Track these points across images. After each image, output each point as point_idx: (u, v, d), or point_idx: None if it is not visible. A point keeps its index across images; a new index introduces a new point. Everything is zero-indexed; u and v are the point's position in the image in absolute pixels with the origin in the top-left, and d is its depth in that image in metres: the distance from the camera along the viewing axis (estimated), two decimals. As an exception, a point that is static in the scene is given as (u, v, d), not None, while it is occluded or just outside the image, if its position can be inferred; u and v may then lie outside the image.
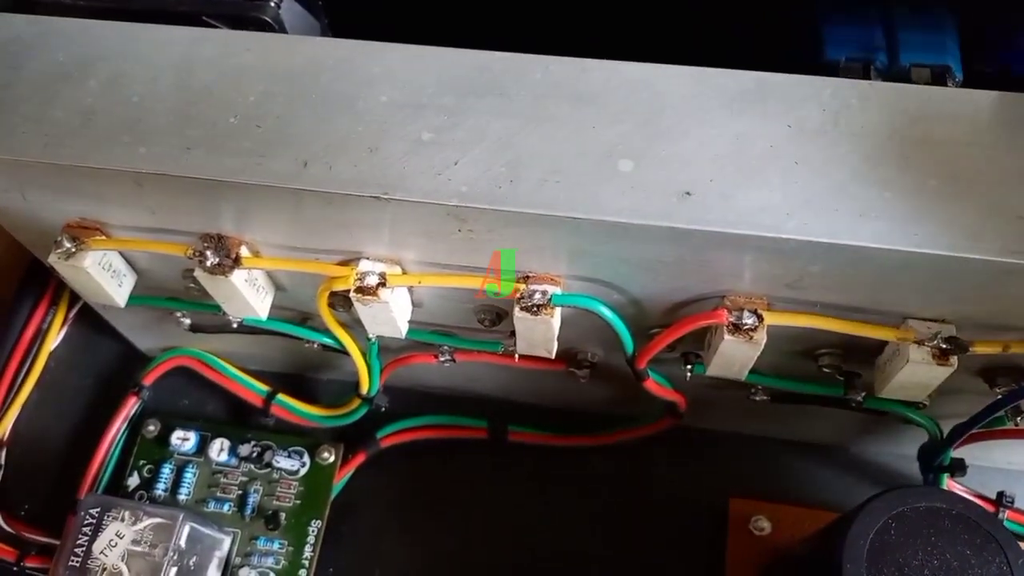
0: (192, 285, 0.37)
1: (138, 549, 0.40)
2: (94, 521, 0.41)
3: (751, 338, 0.32)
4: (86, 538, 0.40)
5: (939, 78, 0.35)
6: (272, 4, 0.38)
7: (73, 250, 0.36)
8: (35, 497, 0.48)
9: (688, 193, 0.30)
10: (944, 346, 0.31)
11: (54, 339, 0.50)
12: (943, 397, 0.36)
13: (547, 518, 0.46)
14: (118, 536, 0.40)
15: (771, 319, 0.32)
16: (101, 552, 0.40)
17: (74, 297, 0.50)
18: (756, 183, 0.30)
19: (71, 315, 0.50)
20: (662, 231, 0.30)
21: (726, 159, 0.30)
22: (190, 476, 0.46)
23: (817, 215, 0.29)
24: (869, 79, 0.36)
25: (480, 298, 0.36)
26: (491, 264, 0.33)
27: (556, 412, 0.47)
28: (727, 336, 0.32)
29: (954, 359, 0.31)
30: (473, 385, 0.47)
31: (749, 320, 0.32)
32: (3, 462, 0.48)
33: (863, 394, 0.37)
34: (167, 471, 0.46)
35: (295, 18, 0.39)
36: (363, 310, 0.35)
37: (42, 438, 0.49)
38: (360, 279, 0.34)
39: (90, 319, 0.49)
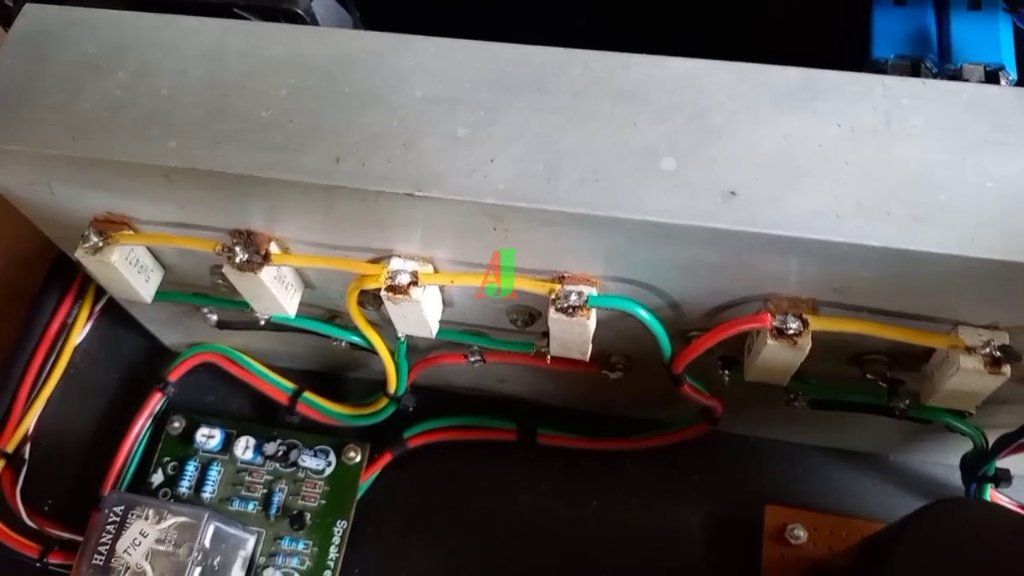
0: (220, 281, 0.37)
1: (162, 548, 0.40)
2: (118, 519, 0.40)
3: (795, 343, 0.31)
4: (110, 536, 0.40)
5: (993, 77, 0.34)
6: (304, -4, 0.37)
7: (100, 245, 0.35)
8: (59, 492, 0.47)
9: (734, 193, 0.29)
10: (997, 354, 0.30)
11: (79, 333, 0.50)
12: (990, 406, 0.34)
13: (577, 522, 0.45)
14: (142, 535, 0.40)
15: (816, 324, 0.31)
16: (125, 551, 0.39)
17: (100, 291, 0.49)
18: (805, 184, 0.29)
19: (97, 309, 0.50)
20: (706, 232, 0.29)
21: (774, 159, 0.29)
22: (215, 474, 0.46)
23: (869, 218, 0.28)
24: (919, 77, 0.34)
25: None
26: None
27: (587, 415, 0.46)
28: (770, 341, 0.31)
29: (1007, 368, 0.30)
30: (503, 386, 0.46)
31: (793, 325, 0.31)
32: (27, 456, 0.47)
33: (907, 401, 0.36)
34: (192, 469, 0.46)
35: (327, 10, 0.38)
36: (393, 309, 0.34)
37: (67, 433, 0.49)
38: (391, 278, 0.33)
39: (116, 313, 0.48)
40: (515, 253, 0.32)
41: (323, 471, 0.46)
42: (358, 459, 0.46)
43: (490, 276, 0.33)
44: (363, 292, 0.35)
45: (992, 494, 0.40)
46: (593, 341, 0.34)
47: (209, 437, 0.46)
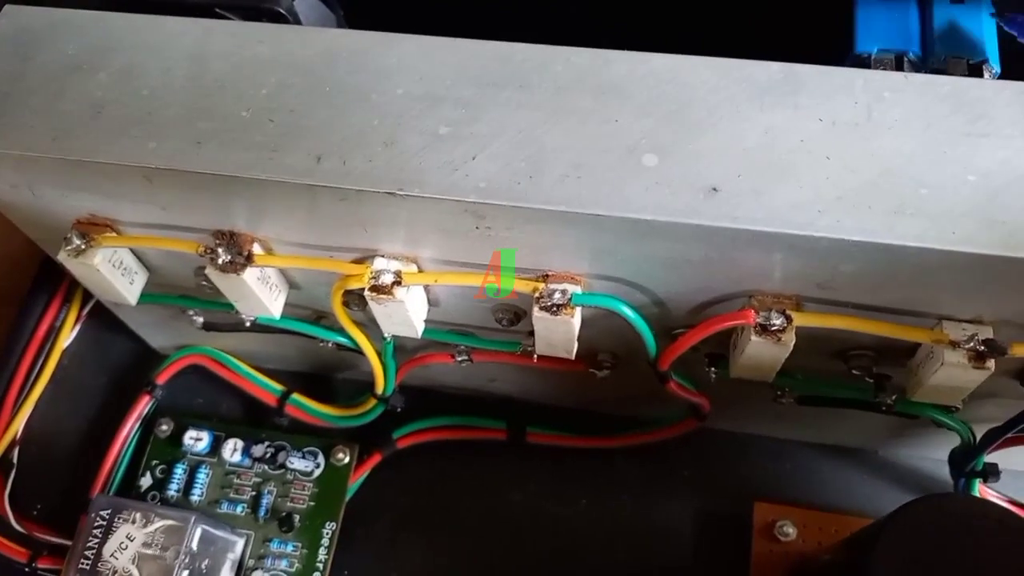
0: (204, 283, 0.37)
1: (149, 552, 0.39)
2: (105, 523, 0.40)
3: (779, 339, 0.31)
4: (96, 540, 0.40)
5: (976, 71, 0.34)
6: (286, -5, 0.37)
7: (83, 247, 0.35)
8: (48, 496, 0.47)
9: (715, 189, 0.29)
10: (981, 348, 0.30)
11: (67, 336, 0.49)
12: (977, 400, 0.34)
13: (567, 520, 0.45)
14: (129, 539, 0.39)
15: (800, 320, 0.31)
16: (112, 555, 0.39)
17: (87, 294, 0.49)
18: (786, 179, 0.29)
19: (84, 312, 0.50)
20: (688, 228, 0.29)
21: (755, 154, 0.29)
22: (203, 477, 0.45)
23: (850, 212, 0.28)
24: (902, 71, 0.34)
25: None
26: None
27: (576, 413, 0.46)
28: (754, 337, 0.31)
29: (991, 362, 0.30)
30: (491, 385, 0.46)
31: (777, 321, 0.31)
32: (16, 460, 0.47)
33: (894, 397, 0.36)
34: (180, 471, 0.46)
35: (310, 10, 0.38)
36: (378, 309, 0.34)
37: (55, 436, 0.49)
38: (375, 277, 0.33)
39: (103, 317, 0.48)
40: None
41: (312, 473, 0.45)
42: (347, 460, 0.46)
43: (478, 275, 0.33)
44: (348, 292, 0.35)
45: (981, 489, 0.40)
46: (579, 339, 0.34)
47: (197, 440, 0.46)
